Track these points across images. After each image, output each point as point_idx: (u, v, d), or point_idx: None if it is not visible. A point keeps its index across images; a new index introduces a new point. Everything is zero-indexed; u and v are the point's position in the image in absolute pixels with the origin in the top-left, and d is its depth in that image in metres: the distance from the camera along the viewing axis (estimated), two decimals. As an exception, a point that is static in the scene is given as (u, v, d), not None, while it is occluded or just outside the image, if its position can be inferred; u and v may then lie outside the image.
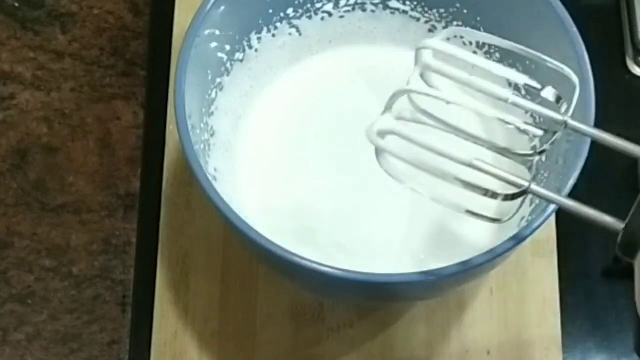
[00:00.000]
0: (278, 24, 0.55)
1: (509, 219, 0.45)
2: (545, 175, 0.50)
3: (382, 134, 0.43)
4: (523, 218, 0.50)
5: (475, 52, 0.55)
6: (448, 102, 0.42)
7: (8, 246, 0.59)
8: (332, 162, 0.55)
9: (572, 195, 0.45)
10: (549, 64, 0.43)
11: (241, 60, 0.54)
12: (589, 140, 0.46)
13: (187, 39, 0.48)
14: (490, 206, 0.53)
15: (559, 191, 0.45)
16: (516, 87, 0.54)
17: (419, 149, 0.42)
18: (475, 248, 0.50)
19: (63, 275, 0.58)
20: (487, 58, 0.55)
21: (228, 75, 0.53)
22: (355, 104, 0.56)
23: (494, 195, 0.42)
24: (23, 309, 0.58)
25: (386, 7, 0.56)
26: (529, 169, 0.53)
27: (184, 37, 0.48)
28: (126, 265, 0.59)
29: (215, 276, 0.57)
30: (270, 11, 0.54)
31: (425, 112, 0.46)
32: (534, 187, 0.41)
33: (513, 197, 0.42)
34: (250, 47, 0.54)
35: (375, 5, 0.55)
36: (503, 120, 0.43)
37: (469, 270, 0.45)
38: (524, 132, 0.46)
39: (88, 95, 0.63)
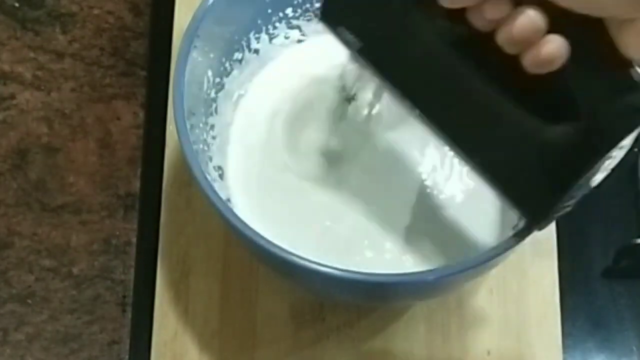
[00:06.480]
0: (277, 24, 0.55)
1: None
2: (545, 175, 0.50)
3: None
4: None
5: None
6: None
7: (8, 246, 0.59)
8: (333, 162, 0.55)
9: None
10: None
11: (240, 60, 0.54)
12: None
13: (187, 38, 0.48)
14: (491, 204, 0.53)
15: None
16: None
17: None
18: (475, 248, 0.51)
19: (63, 275, 0.58)
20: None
21: (227, 75, 0.53)
22: (356, 103, 0.56)
23: None
24: (23, 309, 0.58)
25: (385, 6, 0.55)
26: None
27: (183, 36, 0.48)
28: (126, 265, 0.59)
29: (215, 276, 0.57)
30: (269, 11, 0.54)
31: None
32: None
33: None
34: (249, 47, 0.54)
35: (375, 5, 0.55)
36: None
37: (469, 270, 0.45)
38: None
39: (88, 95, 0.63)
